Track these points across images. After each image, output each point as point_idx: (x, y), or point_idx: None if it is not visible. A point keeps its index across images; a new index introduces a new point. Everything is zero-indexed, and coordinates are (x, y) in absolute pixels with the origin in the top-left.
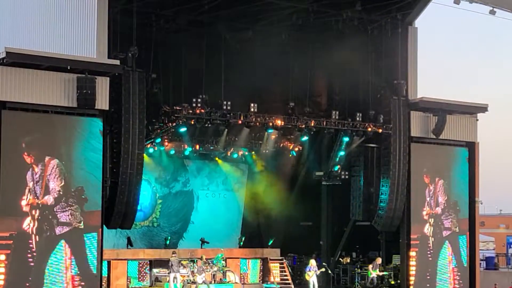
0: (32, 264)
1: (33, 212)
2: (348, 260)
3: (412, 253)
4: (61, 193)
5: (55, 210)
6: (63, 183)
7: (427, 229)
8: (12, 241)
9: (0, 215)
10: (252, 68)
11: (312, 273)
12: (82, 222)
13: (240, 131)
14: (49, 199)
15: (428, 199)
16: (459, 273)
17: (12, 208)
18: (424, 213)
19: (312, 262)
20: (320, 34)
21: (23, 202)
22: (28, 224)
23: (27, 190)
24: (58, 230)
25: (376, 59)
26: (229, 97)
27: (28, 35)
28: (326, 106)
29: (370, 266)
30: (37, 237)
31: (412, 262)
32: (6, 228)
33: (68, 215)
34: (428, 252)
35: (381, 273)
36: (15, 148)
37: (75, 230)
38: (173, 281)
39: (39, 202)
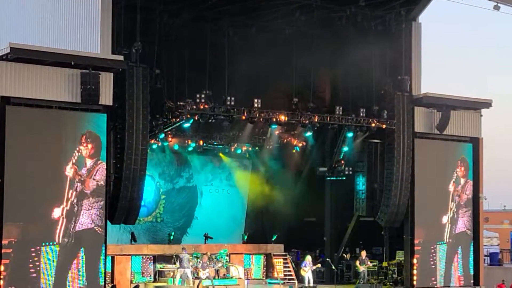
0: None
1: (73, 192)
2: (348, 256)
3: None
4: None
5: (86, 201)
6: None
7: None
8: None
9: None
10: (255, 64)
11: (308, 268)
12: (103, 229)
13: (244, 127)
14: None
15: (455, 192)
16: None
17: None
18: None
19: (308, 258)
20: (323, 30)
21: (68, 171)
22: (61, 211)
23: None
24: (78, 226)
25: (380, 54)
26: (232, 92)
27: (32, 31)
28: (329, 102)
29: (358, 262)
30: (62, 230)
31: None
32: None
33: (92, 215)
34: (431, 259)
35: (371, 264)
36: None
37: (95, 235)
38: (180, 277)
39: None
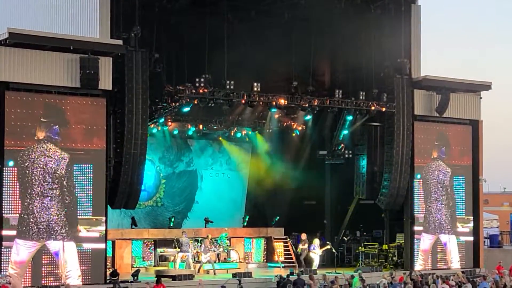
0: None
1: None
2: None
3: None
4: None
5: None
6: None
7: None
8: None
9: None
10: (255, 48)
11: (317, 251)
12: None
13: (244, 111)
14: None
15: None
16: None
17: None
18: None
19: (316, 241)
20: (323, 13)
21: None
22: None
23: None
24: None
25: (379, 37)
26: (232, 76)
27: (30, 16)
28: (329, 85)
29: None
30: None
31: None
32: None
33: None
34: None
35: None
36: None
37: None
38: (180, 260)
39: None
